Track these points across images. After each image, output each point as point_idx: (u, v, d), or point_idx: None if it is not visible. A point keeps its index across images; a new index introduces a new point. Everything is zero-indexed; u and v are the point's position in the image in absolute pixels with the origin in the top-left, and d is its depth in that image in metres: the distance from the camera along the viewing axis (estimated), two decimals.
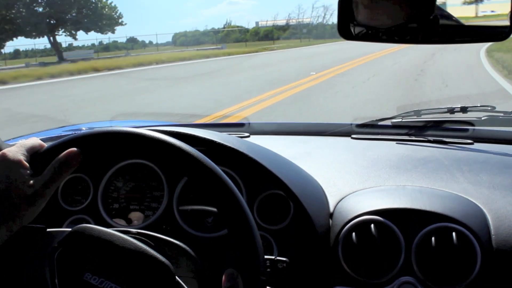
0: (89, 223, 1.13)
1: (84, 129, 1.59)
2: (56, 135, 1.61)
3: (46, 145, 0.77)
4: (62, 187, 1.19)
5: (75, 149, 0.74)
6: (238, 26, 55.62)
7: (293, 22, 54.16)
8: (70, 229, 0.76)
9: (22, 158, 0.73)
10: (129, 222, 1.14)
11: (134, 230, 0.82)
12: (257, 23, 57.25)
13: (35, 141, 0.77)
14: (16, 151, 0.74)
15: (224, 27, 54.95)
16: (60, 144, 0.76)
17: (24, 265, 0.75)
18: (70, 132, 1.48)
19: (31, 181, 0.71)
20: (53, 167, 0.73)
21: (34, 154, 0.75)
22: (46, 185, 0.72)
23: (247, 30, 51.47)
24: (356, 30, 0.99)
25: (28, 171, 0.72)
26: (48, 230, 0.78)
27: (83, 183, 1.18)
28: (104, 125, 1.87)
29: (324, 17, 58.00)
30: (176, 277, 0.72)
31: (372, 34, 0.97)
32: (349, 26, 1.00)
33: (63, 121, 6.52)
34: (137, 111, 7.64)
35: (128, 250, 0.72)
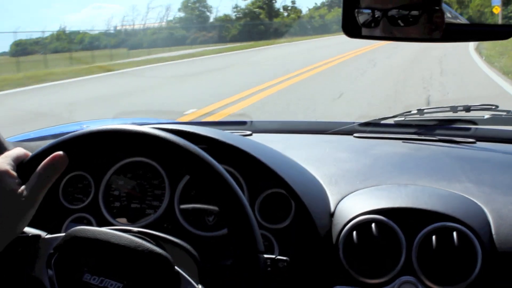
0: (91, 222, 1.14)
1: (85, 126, 1.59)
2: (57, 133, 1.61)
3: (30, 153, 0.78)
4: (63, 186, 1.19)
5: (60, 152, 0.75)
6: (64, 33, 40.05)
7: (137, 27, 42.23)
8: (64, 234, 0.76)
9: (8, 168, 0.74)
10: (131, 221, 1.14)
11: (135, 229, 0.82)
12: (115, 27, 44.57)
13: (19, 150, 0.78)
14: (2, 162, 0.75)
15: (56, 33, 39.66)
16: (44, 150, 0.77)
17: (22, 274, 0.76)
18: (71, 130, 1.49)
19: (19, 189, 0.72)
20: (39, 173, 0.74)
21: (20, 163, 0.76)
22: (34, 191, 0.73)
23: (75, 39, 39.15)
24: (361, 18, 0.98)
25: (16, 180, 0.73)
26: (43, 237, 0.78)
27: (84, 181, 1.18)
28: (107, 122, 1.88)
29: (166, 19, 46.13)
30: (176, 267, 0.72)
31: (376, 32, 0.96)
32: (353, 24, 0.99)
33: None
34: (139, 109, 7.45)
35: (124, 246, 0.72)
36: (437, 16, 0.95)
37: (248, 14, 47.47)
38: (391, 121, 1.52)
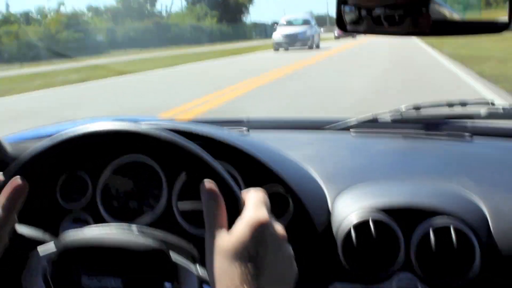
0: (88, 222, 1.13)
1: (68, 123, 1.58)
2: (53, 131, 1.60)
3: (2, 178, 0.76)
4: (60, 185, 1.18)
5: (18, 182, 0.72)
6: None
7: None
8: (54, 246, 0.75)
9: None
10: (129, 220, 1.13)
11: (134, 228, 0.83)
12: None
13: None
14: None
15: None
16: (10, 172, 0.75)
17: None
18: (66, 128, 1.50)
19: None
20: (1, 204, 0.71)
21: None
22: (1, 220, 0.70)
23: None
24: (347, 17, 0.98)
25: None
26: (31, 253, 0.77)
27: (81, 180, 1.18)
28: (104, 120, 1.86)
29: None
30: (172, 257, 0.73)
31: (363, 28, 0.96)
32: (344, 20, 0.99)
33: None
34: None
35: (117, 244, 0.73)
36: (423, 18, 0.94)
37: None
38: (387, 117, 1.52)
